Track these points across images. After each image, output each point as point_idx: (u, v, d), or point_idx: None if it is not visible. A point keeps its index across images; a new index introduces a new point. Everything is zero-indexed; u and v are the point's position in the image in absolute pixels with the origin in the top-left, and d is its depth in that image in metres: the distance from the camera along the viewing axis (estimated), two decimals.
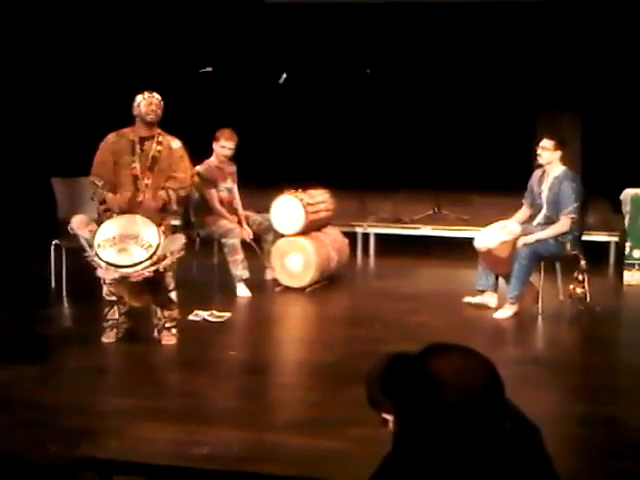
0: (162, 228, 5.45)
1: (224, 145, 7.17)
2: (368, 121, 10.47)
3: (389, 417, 1.94)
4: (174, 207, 5.76)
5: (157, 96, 5.61)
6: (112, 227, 5.36)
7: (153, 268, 5.23)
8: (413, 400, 1.52)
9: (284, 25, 10.81)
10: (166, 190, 5.59)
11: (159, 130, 5.66)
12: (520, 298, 6.35)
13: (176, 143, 5.70)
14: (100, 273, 5.29)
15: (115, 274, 5.22)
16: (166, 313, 5.67)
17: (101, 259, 5.22)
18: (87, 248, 5.30)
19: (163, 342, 5.70)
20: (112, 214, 5.51)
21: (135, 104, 5.58)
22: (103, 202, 5.59)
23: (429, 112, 10.56)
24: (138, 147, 5.58)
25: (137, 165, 5.56)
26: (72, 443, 4.03)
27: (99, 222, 5.49)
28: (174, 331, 5.73)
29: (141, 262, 5.19)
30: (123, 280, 5.26)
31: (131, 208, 5.50)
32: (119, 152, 5.58)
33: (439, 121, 10.51)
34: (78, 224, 5.39)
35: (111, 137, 5.65)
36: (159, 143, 5.62)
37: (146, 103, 5.54)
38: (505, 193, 8.23)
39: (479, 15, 10.44)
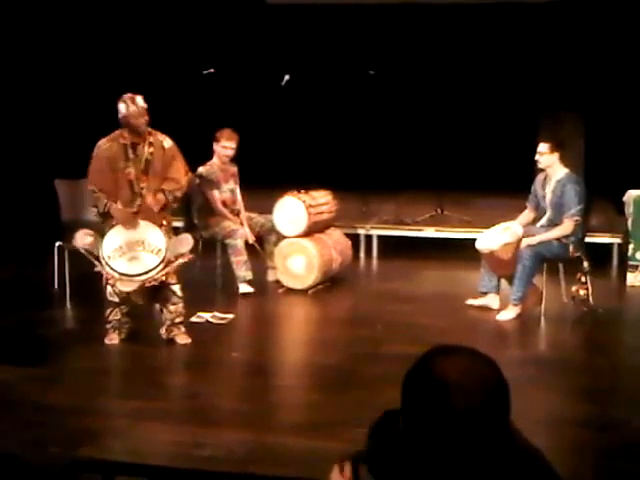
0: (164, 228, 5.50)
1: (225, 145, 7.17)
2: (371, 123, 10.47)
3: None
4: (172, 206, 5.78)
5: (140, 102, 5.45)
6: (117, 236, 5.38)
7: (165, 271, 5.30)
8: (418, 402, 1.52)
9: (286, 26, 10.82)
10: (164, 193, 5.58)
11: (149, 129, 5.58)
12: (523, 300, 6.34)
13: (168, 142, 5.65)
14: (119, 286, 5.32)
15: (132, 285, 5.27)
16: (172, 308, 5.64)
17: (115, 270, 5.25)
18: (95, 262, 5.33)
19: (179, 342, 5.68)
20: (116, 222, 5.49)
21: (120, 115, 5.44)
22: (106, 213, 5.52)
23: (432, 114, 10.56)
24: (131, 152, 5.52)
25: (132, 170, 5.51)
26: (74, 444, 4.02)
27: (101, 230, 5.49)
28: (183, 329, 5.72)
29: (154, 268, 5.25)
30: (139, 287, 5.31)
31: (133, 214, 5.49)
32: (113, 158, 5.51)
33: (442, 123, 10.51)
34: (82, 240, 5.40)
35: (103, 144, 5.56)
36: (151, 145, 5.56)
37: (134, 115, 5.41)
38: (508, 195, 8.23)
39: (482, 17, 10.44)
